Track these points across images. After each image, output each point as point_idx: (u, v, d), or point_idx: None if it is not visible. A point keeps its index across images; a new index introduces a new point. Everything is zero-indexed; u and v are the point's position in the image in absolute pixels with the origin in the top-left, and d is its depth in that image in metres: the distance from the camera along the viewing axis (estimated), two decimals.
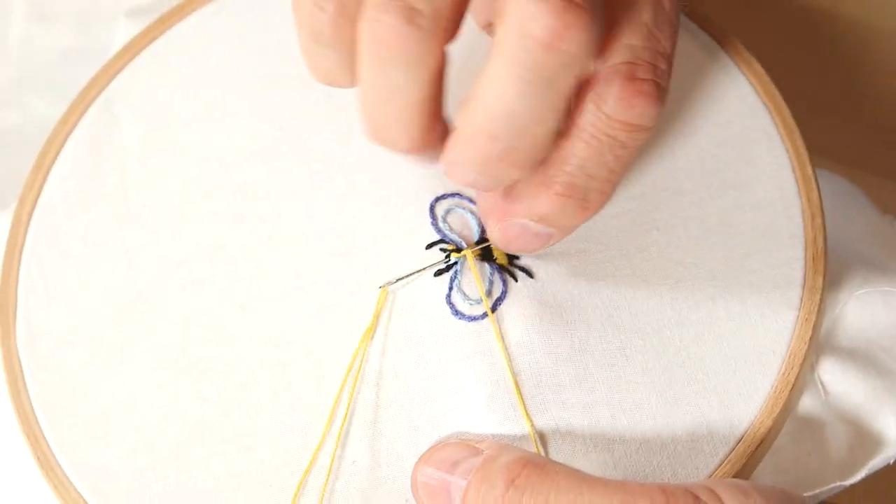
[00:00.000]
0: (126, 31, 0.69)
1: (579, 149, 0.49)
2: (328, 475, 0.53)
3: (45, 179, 0.61)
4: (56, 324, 0.57)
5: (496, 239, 0.53)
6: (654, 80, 0.49)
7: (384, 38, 0.47)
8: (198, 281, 0.58)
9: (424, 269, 0.56)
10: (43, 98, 0.75)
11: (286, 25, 0.62)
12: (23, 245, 0.59)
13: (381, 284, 0.56)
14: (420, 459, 0.52)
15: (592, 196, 0.50)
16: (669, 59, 0.50)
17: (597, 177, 0.50)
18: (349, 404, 0.55)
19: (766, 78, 0.60)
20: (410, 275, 0.56)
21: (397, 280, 0.56)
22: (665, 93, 0.49)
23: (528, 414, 0.53)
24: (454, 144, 0.49)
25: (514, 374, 0.54)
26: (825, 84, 0.80)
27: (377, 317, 0.56)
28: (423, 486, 0.51)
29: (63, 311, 0.58)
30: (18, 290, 0.58)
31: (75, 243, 0.59)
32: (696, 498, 0.46)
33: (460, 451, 0.51)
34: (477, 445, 0.51)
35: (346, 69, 0.49)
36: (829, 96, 0.80)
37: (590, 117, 0.49)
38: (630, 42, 0.49)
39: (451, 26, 0.47)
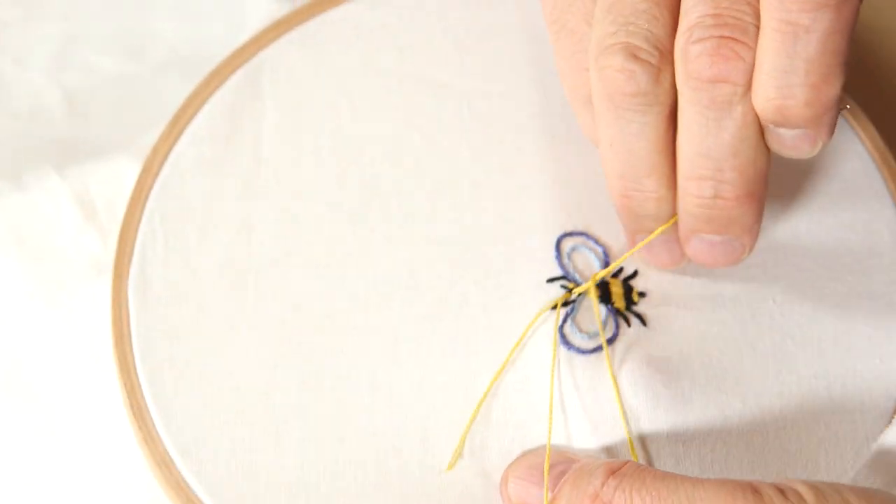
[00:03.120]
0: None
1: (770, 41, 0.50)
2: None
3: (179, 135, 0.61)
4: (170, 278, 0.58)
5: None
6: None
7: (618, 85, 0.51)
8: (312, 265, 0.59)
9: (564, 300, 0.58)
10: (104, 55, 0.74)
11: (438, 28, 0.63)
12: (149, 193, 0.60)
13: (553, 305, 0.57)
14: (511, 464, 0.53)
15: (799, 92, 0.50)
16: None
17: (797, 71, 0.50)
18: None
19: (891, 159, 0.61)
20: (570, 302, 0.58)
21: (558, 306, 0.57)
22: None
23: (633, 447, 0.54)
24: (680, 206, 0.53)
25: (623, 411, 0.55)
26: None
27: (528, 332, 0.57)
28: (513, 488, 0.53)
29: (178, 267, 0.59)
30: (137, 238, 0.59)
31: (200, 204, 0.60)
32: (781, 491, 0.47)
33: (554, 456, 0.53)
34: (570, 456, 0.53)
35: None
36: None
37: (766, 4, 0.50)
38: None
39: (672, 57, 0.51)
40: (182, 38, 0.73)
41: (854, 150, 0.61)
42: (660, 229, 0.55)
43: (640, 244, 0.56)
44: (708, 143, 0.51)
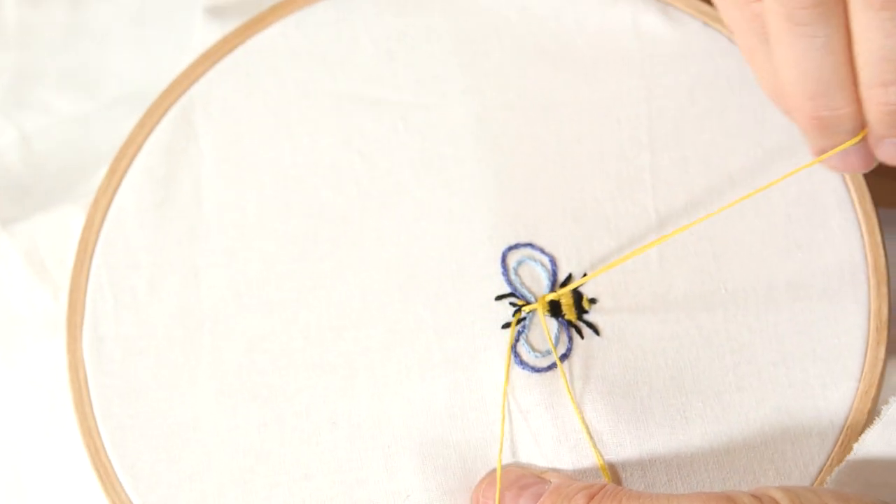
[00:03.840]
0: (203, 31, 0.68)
1: None
2: None
3: (118, 185, 0.61)
4: (123, 334, 0.58)
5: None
6: None
7: None
8: (265, 305, 0.58)
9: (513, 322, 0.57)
10: (60, 94, 0.73)
11: (367, 40, 0.62)
12: (93, 251, 0.60)
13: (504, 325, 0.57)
14: (484, 480, 0.53)
15: None
16: None
17: None
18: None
19: None
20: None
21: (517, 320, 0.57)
22: None
23: (604, 466, 0.54)
24: (867, 115, 0.52)
25: (587, 427, 0.54)
26: None
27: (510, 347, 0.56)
28: None
29: (131, 322, 0.58)
30: (87, 297, 0.59)
31: (146, 254, 0.59)
32: (757, 498, 0.47)
33: (528, 476, 0.53)
34: (541, 475, 0.53)
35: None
36: None
37: None
38: None
39: None
40: (135, 71, 0.72)
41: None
42: (846, 144, 0.54)
43: (823, 156, 0.55)
44: (888, 45, 0.50)
